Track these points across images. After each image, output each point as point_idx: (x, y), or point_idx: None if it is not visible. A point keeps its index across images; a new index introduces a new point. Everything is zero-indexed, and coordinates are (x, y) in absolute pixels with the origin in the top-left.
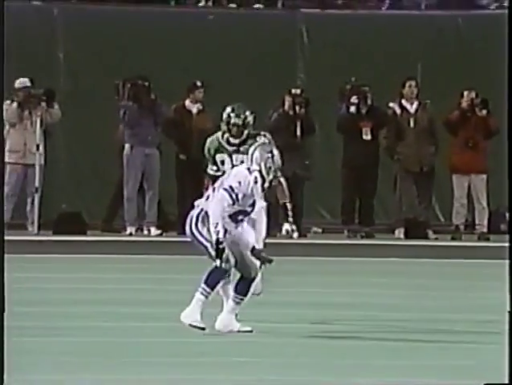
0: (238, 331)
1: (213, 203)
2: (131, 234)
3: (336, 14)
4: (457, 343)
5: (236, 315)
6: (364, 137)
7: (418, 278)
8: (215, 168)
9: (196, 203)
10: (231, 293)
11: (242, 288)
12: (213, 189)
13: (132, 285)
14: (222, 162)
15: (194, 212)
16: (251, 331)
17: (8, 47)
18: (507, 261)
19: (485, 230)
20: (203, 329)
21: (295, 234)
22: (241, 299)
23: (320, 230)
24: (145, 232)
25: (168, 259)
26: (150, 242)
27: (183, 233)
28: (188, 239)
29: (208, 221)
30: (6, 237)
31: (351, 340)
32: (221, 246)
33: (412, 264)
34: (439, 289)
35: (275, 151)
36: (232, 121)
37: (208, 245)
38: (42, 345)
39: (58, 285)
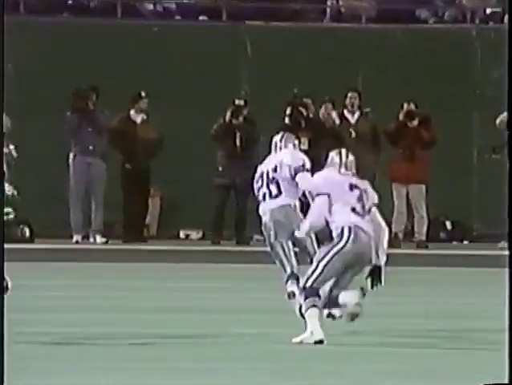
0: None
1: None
2: (77, 242)
3: (279, 26)
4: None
5: None
6: (302, 147)
7: None
8: None
9: None
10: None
11: None
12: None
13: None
14: None
15: None
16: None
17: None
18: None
19: (423, 238)
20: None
21: None
22: None
23: None
24: (91, 240)
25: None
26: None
27: (127, 241)
28: None
29: None
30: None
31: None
32: None
33: None
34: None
35: None
36: None
37: None
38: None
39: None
